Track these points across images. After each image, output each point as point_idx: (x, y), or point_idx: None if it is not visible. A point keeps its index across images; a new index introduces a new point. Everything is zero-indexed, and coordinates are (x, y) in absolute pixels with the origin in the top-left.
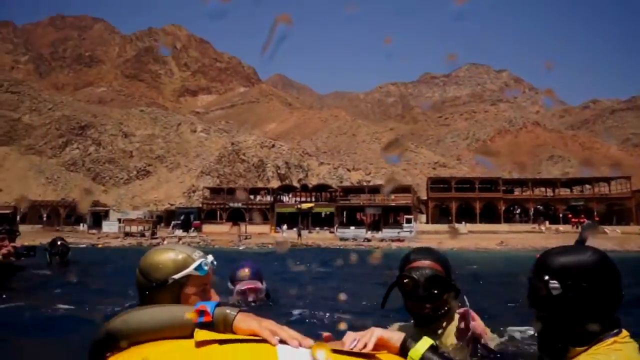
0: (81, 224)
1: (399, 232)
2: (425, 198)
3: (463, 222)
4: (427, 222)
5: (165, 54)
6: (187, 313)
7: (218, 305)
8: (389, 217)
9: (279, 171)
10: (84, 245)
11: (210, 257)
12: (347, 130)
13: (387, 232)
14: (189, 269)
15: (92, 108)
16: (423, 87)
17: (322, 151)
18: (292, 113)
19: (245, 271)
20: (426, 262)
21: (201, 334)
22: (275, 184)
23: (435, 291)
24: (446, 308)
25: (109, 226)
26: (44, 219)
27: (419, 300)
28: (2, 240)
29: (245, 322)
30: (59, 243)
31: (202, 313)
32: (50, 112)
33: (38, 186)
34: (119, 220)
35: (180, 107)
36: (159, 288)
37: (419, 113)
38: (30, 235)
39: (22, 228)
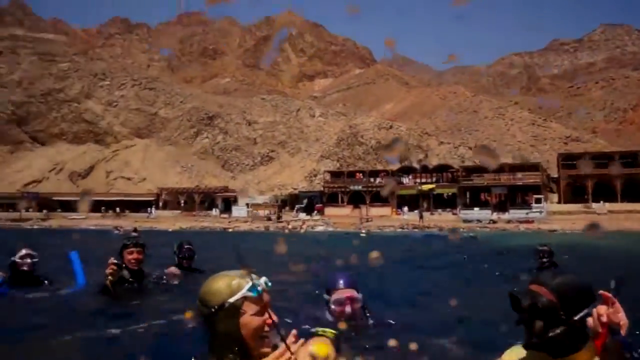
0: (213, 209)
1: (527, 213)
2: (557, 176)
3: (601, 202)
4: (559, 202)
5: (281, 39)
6: None
7: None
8: (517, 197)
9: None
10: (218, 230)
11: (263, 279)
12: (468, 106)
13: (514, 213)
14: (243, 291)
15: (218, 98)
16: (551, 55)
17: (441, 130)
18: (409, 92)
19: (340, 281)
20: (543, 290)
21: None
22: (394, 165)
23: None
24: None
25: (238, 211)
26: (182, 204)
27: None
28: (132, 253)
29: None
30: (185, 247)
31: None
32: (181, 104)
33: (175, 174)
34: (247, 205)
35: (299, 93)
36: (217, 313)
37: (547, 84)
38: (171, 220)
39: (163, 213)
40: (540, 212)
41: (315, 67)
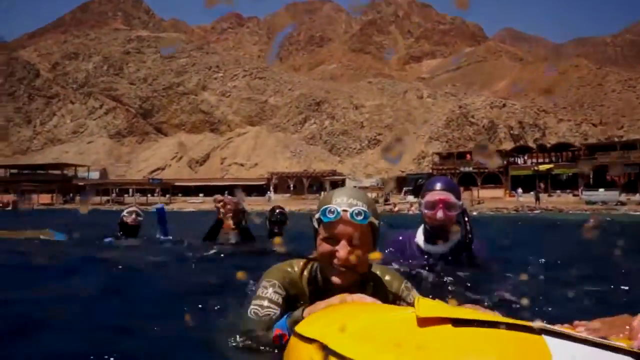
0: (321, 193)
1: None
2: None
3: None
4: None
5: (389, 16)
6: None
7: (289, 316)
8: None
9: (511, 132)
10: None
11: (341, 207)
12: (592, 80)
13: None
14: (318, 214)
15: (325, 84)
16: None
17: (561, 107)
18: (524, 68)
19: (437, 184)
20: None
21: (424, 308)
22: (508, 145)
23: None
24: None
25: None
26: (291, 188)
27: None
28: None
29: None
30: (277, 212)
31: (280, 338)
32: (290, 92)
33: (284, 160)
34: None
35: (406, 75)
36: (315, 231)
37: None
38: (282, 203)
39: (274, 197)
40: None
41: (422, 47)
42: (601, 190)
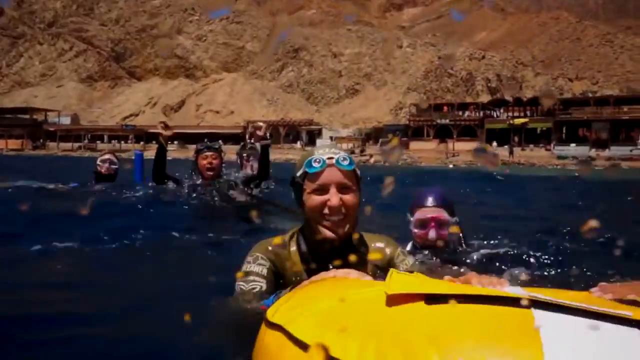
0: (298, 142)
1: (631, 150)
2: None
3: None
4: None
5: None
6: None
7: (277, 295)
8: (620, 133)
9: (489, 84)
10: None
11: (326, 154)
12: (571, 34)
13: (616, 150)
14: (303, 167)
15: (304, 31)
16: None
17: (539, 60)
18: (505, 19)
19: (429, 198)
20: None
21: (395, 284)
22: (485, 98)
23: None
24: None
25: (323, 144)
26: (267, 137)
27: None
28: (206, 158)
29: None
30: (249, 146)
31: None
32: (267, 38)
33: (261, 108)
34: (331, 138)
35: (386, 23)
36: (293, 186)
37: None
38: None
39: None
40: None
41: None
42: (572, 145)
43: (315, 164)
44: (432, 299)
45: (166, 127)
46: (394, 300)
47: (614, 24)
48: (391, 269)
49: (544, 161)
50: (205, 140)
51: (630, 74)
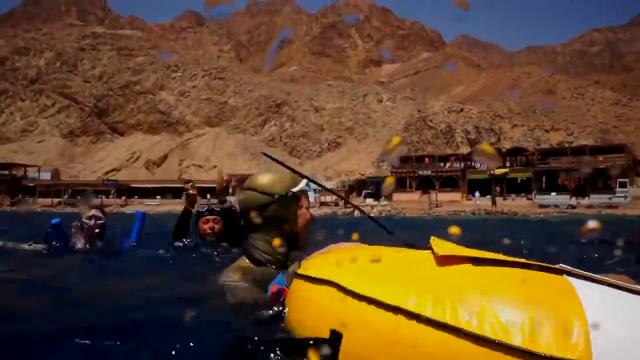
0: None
1: (610, 198)
2: None
3: None
4: None
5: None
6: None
7: (285, 273)
8: (598, 181)
9: (468, 136)
10: None
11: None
12: (543, 87)
13: (595, 199)
14: (302, 184)
15: (285, 86)
16: (636, 29)
17: (515, 112)
18: (480, 74)
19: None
20: None
21: (441, 247)
22: (465, 149)
23: None
24: None
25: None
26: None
27: None
28: (207, 222)
29: None
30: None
31: (279, 293)
32: (250, 93)
33: (244, 161)
34: (314, 191)
35: (366, 78)
36: (279, 200)
37: (633, 61)
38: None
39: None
40: (625, 197)
41: (382, 52)
42: (553, 194)
43: (307, 186)
44: (478, 260)
45: (193, 186)
46: (443, 261)
47: (583, 78)
48: (432, 237)
49: (526, 210)
50: (208, 197)
51: (603, 125)
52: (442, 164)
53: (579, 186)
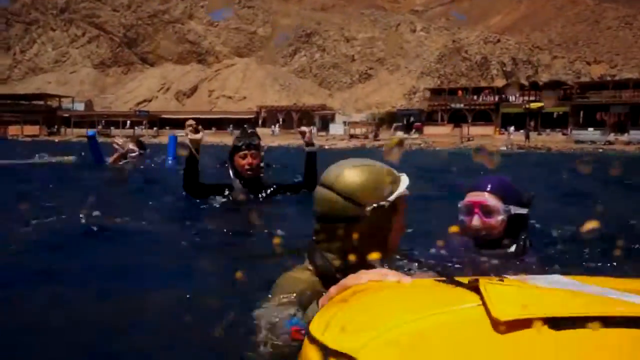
0: (311, 127)
1: None
2: None
3: None
4: None
5: None
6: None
7: (304, 315)
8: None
9: (504, 68)
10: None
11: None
12: (589, 16)
13: (635, 135)
14: (404, 185)
15: (316, 15)
16: None
17: (555, 43)
18: (521, 2)
19: (480, 183)
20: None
21: (500, 304)
22: (500, 82)
23: None
24: None
25: (336, 129)
26: (280, 122)
27: None
28: (245, 157)
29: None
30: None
31: (302, 333)
32: (280, 22)
33: (274, 93)
34: (344, 123)
35: (399, 7)
36: (375, 213)
37: None
38: (270, 137)
39: (263, 131)
40: None
41: None
42: (590, 129)
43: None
44: (559, 322)
45: (196, 130)
46: (506, 326)
47: (633, 6)
48: (480, 278)
49: (561, 146)
50: (245, 126)
51: None
52: (475, 97)
53: (619, 122)
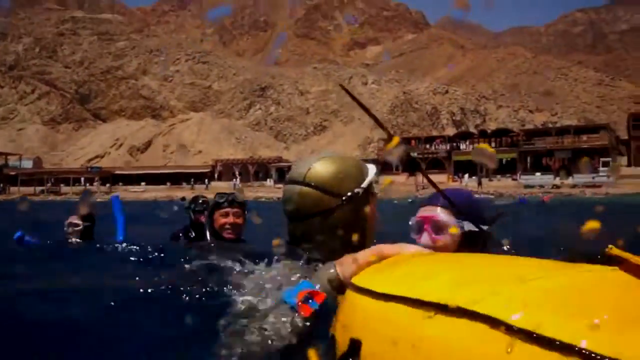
0: (268, 180)
1: (593, 177)
2: (627, 138)
3: None
4: (628, 165)
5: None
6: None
7: (313, 277)
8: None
9: (454, 118)
10: (273, 200)
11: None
12: (528, 68)
13: (579, 178)
14: (373, 172)
15: (270, 70)
16: (619, 9)
17: (499, 94)
18: (465, 55)
19: (433, 198)
20: None
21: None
22: (450, 131)
23: None
24: None
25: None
26: (237, 176)
27: None
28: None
29: (351, 265)
30: (200, 201)
31: (310, 301)
32: (234, 77)
33: (229, 146)
34: None
35: (351, 61)
36: (346, 203)
37: (614, 41)
38: (226, 191)
39: (219, 184)
40: (609, 176)
41: (366, 34)
42: (537, 174)
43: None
44: None
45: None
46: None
47: (566, 59)
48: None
49: (512, 191)
50: (236, 177)
51: (586, 105)
52: (428, 146)
53: (563, 166)
